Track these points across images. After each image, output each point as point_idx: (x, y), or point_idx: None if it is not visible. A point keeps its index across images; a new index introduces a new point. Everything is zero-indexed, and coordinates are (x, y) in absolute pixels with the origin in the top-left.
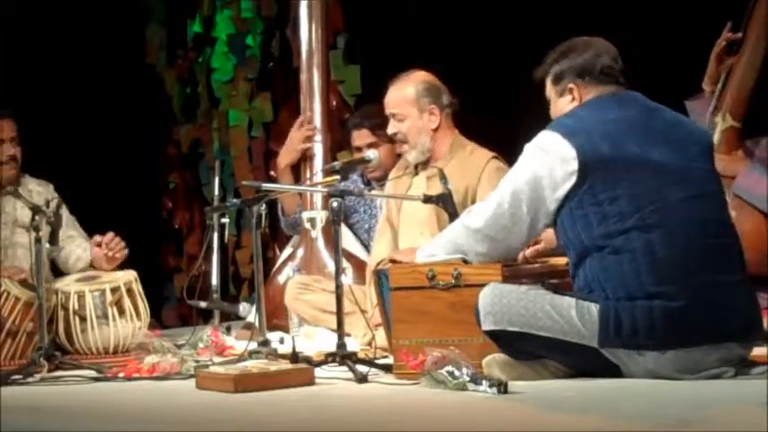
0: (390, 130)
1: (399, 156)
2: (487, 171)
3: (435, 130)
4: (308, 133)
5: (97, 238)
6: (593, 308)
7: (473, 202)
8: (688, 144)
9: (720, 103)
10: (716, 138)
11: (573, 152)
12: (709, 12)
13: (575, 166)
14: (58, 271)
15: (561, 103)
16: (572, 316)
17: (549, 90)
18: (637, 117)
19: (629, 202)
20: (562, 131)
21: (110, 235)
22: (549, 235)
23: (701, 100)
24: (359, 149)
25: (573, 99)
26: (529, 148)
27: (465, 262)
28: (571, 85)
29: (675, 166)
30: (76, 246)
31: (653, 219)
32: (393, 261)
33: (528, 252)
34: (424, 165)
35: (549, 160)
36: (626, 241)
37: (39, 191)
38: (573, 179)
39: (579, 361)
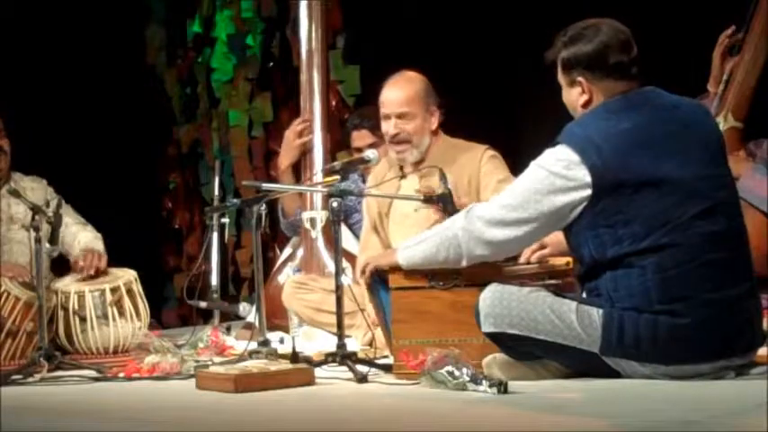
0: (393, 130)
1: None
2: (485, 160)
3: (434, 131)
4: (299, 128)
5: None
6: (595, 312)
7: (476, 192)
8: (700, 149)
9: (723, 103)
10: None
11: (588, 178)
12: (714, 11)
13: (588, 192)
14: (57, 270)
15: (572, 95)
16: (572, 320)
17: (560, 76)
18: (647, 125)
19: (641, 224)
20: (576, 149)
21: (86, 256)
22: (555, 239)
23: (706, 101)
24: (359, 150)
25: (583, 92)
26: (539, 169)
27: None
28: (580, 79)
29: (686, 179)
30: (72, 235)
31: (665, 239)
32: (375, 269)
33: (534, 257)
34: (415, 165)
35: (561, 185)
36: (638, 259)
37: (33, 187)
38: (585, 203)
39: (579, 364)
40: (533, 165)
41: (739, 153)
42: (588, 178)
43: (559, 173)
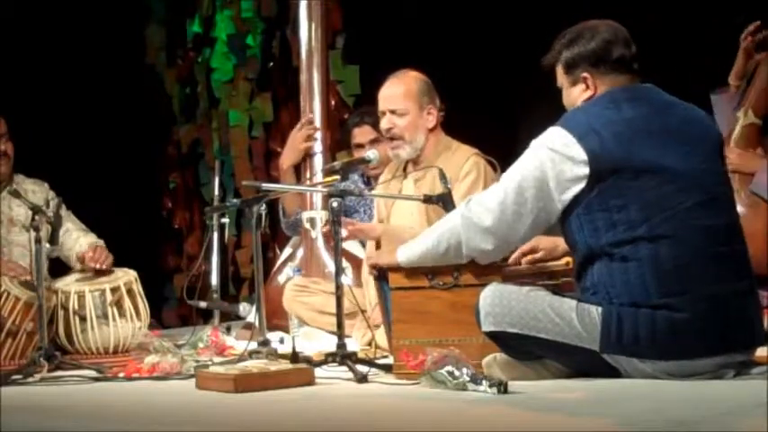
0: (385, 125)
1: None
2: (466, 166)
3: (431, 130)
4: (308, 132)
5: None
6: (594, 311)
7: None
8: (699, 144)
9: (744, 98)
10: (736, 132)
11: (584, 156)
12: (741, 4)
13: (585, 170)
14: (56, 271)
15: (574, 93)
16: (572, 318)
17: (561, 78)
18: (649, 116)
19: (638, 210)
20: (574, 132)
21: (96, 249)
22: (548, 244)
23: (726, 94)
24: (360, 146)
25: (587, 88)
26: (538, 146)
27: (456, 268)
28: (585, 75)
29: (686, 171)
30: (74, 241)
31: (662, 228)
32: (375, 266)
33: (525, 260)
34: (413, 165)
35: (559, 161)
36: (634, 250)
37: (34, 190)
38: (582, 183)
39: (579, 363)
40: (532, 143)
41: (757, 150)
42: (585, 156)
43: (557, 149)
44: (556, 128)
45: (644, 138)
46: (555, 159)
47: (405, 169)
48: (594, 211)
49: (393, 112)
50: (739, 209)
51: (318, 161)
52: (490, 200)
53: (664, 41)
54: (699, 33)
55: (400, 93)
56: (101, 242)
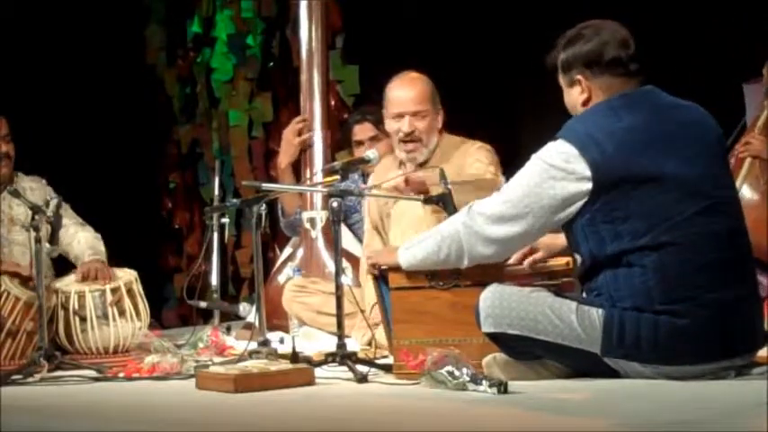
0: (407, 128)
1: None
2: (472, 151)
3: (440, 130)
4: (298, 127)
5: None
6: (595, 313)
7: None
8: (700, 148)
9: None
10: (761, 119)
11: (587, 171)
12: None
13: (588, 186)
14: (59, 270)
15: (573, 94)
16: (572, 320)
17: (560, 78)
18: (647, 123)
19: (642, 220)
20: (576, 144)
21: (89, 269)
22: (547, 241)
23: (759, 84)
24: (360, 144)
25: (582, 91)
26: (538, 161)
27: (456, 270)
28: (578, 77)
29: (687, 177)
30: (71, 235)
31: (665, 237)
32: (374, 265)
33: (526, 262)
34: (419, 164)
35: (560, 178)
36: (638, 257)
37: (32, 187)
38: (585, 198)
39: (579, 365)
40: (533, 158)
41: None
42: (588, 172)
43: (558, 165)
44: (556, 141)
45: (644, 146)
46: (556, 177)
47: (400, 167)
48: (598, 223)
49: (415, 114)
50: (754, 195)
51: (318, 160)
52: (492, 210)
53: (698, 33)
54: (733, 25)
55: (419, 94)
56: (98, 236)
